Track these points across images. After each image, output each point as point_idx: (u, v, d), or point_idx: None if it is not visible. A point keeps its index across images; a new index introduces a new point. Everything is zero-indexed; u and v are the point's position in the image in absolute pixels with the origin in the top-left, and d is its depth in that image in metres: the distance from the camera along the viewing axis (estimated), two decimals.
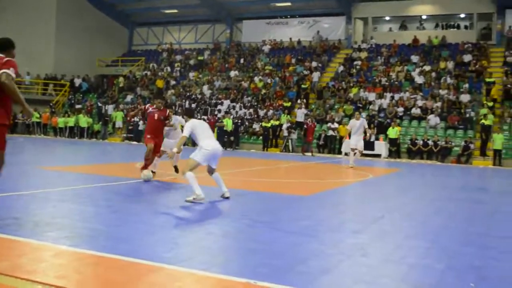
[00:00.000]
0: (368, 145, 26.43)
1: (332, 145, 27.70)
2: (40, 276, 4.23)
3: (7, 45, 6.36)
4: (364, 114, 28.62)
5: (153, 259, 4.89)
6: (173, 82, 37.53)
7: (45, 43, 39.53)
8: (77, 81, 39.87)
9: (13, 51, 6.39)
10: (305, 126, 27.22)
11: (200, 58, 40.02)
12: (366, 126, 18.53)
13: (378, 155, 25.87)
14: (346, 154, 18.73)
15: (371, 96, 30.35)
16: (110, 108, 34.58)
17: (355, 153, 17.98)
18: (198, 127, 8.95)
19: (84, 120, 33.84)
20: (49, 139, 32.77)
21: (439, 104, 28.42)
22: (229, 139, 28.56)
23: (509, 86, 28.51)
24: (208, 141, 8.77)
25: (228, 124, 28.47)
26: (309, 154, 26.29)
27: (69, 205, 7.97)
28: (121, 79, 39.10)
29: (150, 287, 4.14)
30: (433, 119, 27.47)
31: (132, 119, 31.41)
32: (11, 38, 6.53)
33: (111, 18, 43.51)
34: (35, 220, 6.63)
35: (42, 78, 39.60)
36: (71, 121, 34.28)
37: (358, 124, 17.78)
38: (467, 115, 27.20)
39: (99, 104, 35.05)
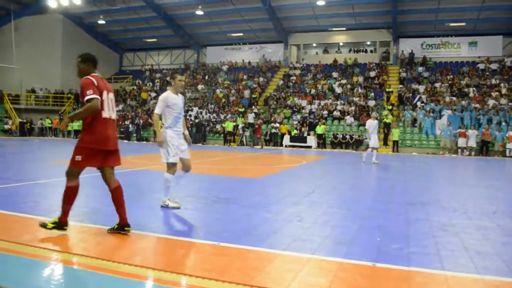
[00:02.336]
0: (301, 139, 26.77)
1: (275, 139, 27.85)
2: (52, 246, 4.16)
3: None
4: (298, 116, 28.98)
5: (140, 229, 4.85)
6: (154, 94, 36.93)
7: (53, 64, 38.33)
8: None
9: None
10: (256, 126, 27.24)
11: None
12: (377, 128, 16.13)
13: (309, 147, 26.17)
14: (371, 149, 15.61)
15: (303, 103, 30.58)
16: None
17: (373, 150, 15.58)
18: None
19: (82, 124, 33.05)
20: (58, 140, 31.78)
21: (353, 108, 28.92)
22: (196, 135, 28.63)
23: (402, 93, 29.28)
24: None
25: (228, 126, 28.43)
26: (259, 146, 26.36)
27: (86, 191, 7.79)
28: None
29: (137, 249, 4.11)
30: (349, 119, 27.93)
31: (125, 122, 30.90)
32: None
33: (105, 45, 42.50)
34: (49, 202, 6.47)
35: (52, 93, 38.39)
36: (75, 126, 33.35)
37: (375, 124, 15.45)
38: None
39: None
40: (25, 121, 34.36)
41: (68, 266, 3.68)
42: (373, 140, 15.43)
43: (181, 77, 6.12)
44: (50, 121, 34.74)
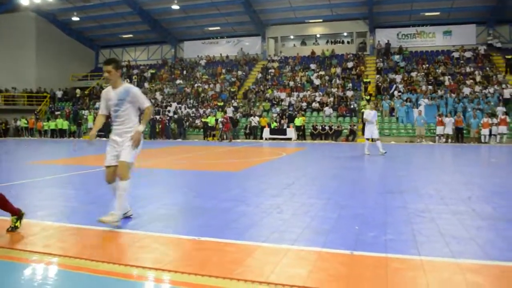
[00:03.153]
0: (281, 131, 26.85)
1: (255, 133, 27.87)
2: (30, 247, 4.11)
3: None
4: (278, 109, 29.03)
5: (119, 227, 4.82)
6: None
7: (28, 64, 37.52)
8: (59, 93, 38.18)
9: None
10: (224, 120, 26.97)
11: (152, 71, 39.09)
12: (376, 118, 15.74)
13: (289, 139, 26.27)
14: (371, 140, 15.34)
15: (282, 95, 30.63)
16: (85, 112, 33.37)
17: (373, 140, 15.26)
18: None
19: (62, 123, 32.60)
20: (35, 140, 31.22)
21: (331, 99, 29.11)
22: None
23: (379, 84, 29.60)
24: None
25: (211, 121, 28.25)
26: (227, 140, 26.37)
27: (53, 190, 7.70)
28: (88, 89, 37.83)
29: (117, 247, 4.10)
30: (328, 110, 28.10)
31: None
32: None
33: (80, 42, 41.85)
34: (25, 203, 6.37)
35: (27, 92, 37.63)
36: (52, 125, 32.87)
37: (372, 114, 15.01)
38: (352, 106, 28.05)
39: (74, 110, 33.88)
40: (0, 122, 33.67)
41: (47, 266, 3.64)
42: (368, 130, 15.09)
43: (105, 67, 4.98)
44: (25, 121, 34.11)
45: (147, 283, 3.28)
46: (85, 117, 32.90)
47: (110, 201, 6.50)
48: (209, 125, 28.28)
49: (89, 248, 4.09)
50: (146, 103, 5.03)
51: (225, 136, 26.85)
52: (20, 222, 4.63)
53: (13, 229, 4.57)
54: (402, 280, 3.31)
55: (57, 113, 34.70)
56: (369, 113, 15.08)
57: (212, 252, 3.91)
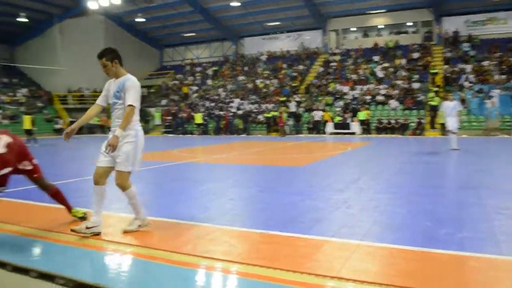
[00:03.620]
0: (344, 125, 26.44)
1: (318, 127, 27.59)
2: (108, 237, 4.34)
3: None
4: (341, 103, 28.62)
5: (190, 219, 4.99)
6: (195, 88, 37.55)
7: (97, 65, 38.83)
8: None
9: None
10: (279, 115, 26.92)
11: (214, 68, 39.92)
12: (460, 108, 14.58)
13: (353, 133, 25.81)
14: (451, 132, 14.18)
15: (345, 89, 30.14)
16: (152, 110, 34.69)
17: (451, 133, 14.17)
18: None
19: None
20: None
21: (397, 91, 28.25)
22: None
23: (448, 74, 28.30)
24: None
25: (283, 117, 27.83)
26: (282, 135, 26.32)
27: None
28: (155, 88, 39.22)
29: (188, 239, 4.22)
30: (393, 103, 27.31)
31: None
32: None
33: (145, 42, 43.48)
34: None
35: (97, 92, 39.68)
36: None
37: (452, 105, 14.05)
38: (419, 99, 27.05)
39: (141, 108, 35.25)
40: (74, 120, 35.73)
41: (123, 255, 3.83)
42: (450, 121, 14.08)
43: (99, 61, 4.54)
44: (98, 119, 35.99)
45: (218, 274, 3.37)
46: (152, 114, 34.21)
47: (180, 194, 6.74)
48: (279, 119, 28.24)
49: (163, 239, 4.26)
50: (130, 100, 4.33)
51: (284, 131, 26.90)
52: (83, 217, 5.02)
53: (82, 218, 4.94)
54: (483, 279, 3.16)
55: None
56: (447, 105, 14.20)
57: (280, 246, 3.94)
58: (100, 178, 4.41)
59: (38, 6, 36.44)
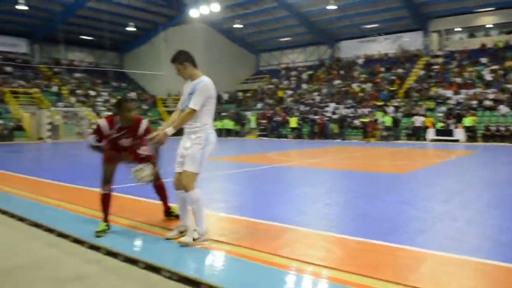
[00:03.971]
0: (447, 132, 25.00)
1: (418, 133, 26.33)
2: (211, 235, 4.52)
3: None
4: (443, 108, 27.13)
5: (286, 222, 5.05)
6: (290, 92, 37.83)
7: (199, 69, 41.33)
8: (225, 96, 41.22)
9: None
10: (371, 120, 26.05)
11: (309, 72, 39.94)
12: None
13: (457, 140, 24.30)
14: None
15: (448, 93, 28.49)
16: (248, 113, 35.60)
17: None
18: None
19: (229, 123, 35.14)
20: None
21: (507, 95, 26.12)
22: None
23: None
24: None
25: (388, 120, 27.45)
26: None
27: (222, 185, 8.38)
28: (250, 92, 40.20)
29: (285, 242, 4.26)
30: (503, 108, 25.29)
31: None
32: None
33: (242, 48, 44.74)
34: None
35: None
36: (219, 125, 35.66)
37: None
38: None
39: (237, 111, 36.35)
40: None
41: (221, 253, 3.98)
42: None
43: (173, 65, 4.55)
44: None
45: (316, 279, 3.36)
46: (247, 117, 35.08)
47: (275, 196, 6.85)
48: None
49: (260, 241, 4.33)
50: (192, 104, 4.31)
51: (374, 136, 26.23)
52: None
53: (177, 216, 4.96)
54: None
55: (223, 114, 37.67)
56: None
57: (381, 255, 3.84)
58: (180, 183, 4.42)
59: (145, 16, 39.30)
